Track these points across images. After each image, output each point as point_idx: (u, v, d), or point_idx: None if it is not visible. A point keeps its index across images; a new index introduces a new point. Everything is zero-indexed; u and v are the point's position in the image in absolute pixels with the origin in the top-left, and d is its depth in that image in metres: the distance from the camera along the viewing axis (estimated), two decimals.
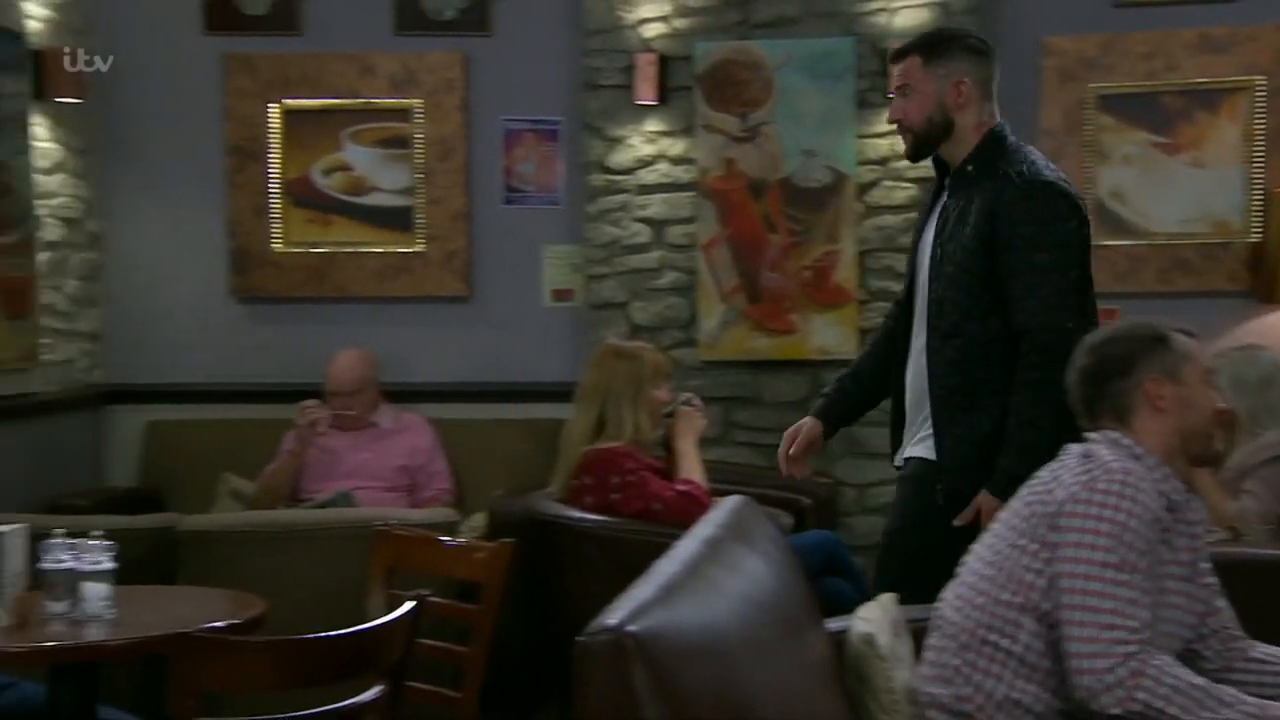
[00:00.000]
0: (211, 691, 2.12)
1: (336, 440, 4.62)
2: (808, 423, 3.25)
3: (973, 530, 2.64)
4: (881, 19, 4.80)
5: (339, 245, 5.11)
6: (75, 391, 4.95)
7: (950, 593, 2.24)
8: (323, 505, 4.33)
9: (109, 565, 2.45)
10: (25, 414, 4.63)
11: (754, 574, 2.16)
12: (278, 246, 5.11)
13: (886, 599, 2.41)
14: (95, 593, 2.43)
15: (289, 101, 5.06)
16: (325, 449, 4.59)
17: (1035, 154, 2.97)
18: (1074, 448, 2.26)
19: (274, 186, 5.10)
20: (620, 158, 4.92)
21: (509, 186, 5.12)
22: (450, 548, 3.03)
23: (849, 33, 4.77)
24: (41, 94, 4.66)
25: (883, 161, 4.75)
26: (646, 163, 4.90)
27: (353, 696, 2.20)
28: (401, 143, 5.08)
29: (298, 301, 5.15)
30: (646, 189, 4.91)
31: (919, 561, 2.81)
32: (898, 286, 3.64)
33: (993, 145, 2.95)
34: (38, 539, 2.46)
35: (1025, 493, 2.22)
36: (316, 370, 4.79)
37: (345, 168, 5.11)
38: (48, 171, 4.78)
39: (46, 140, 4.76)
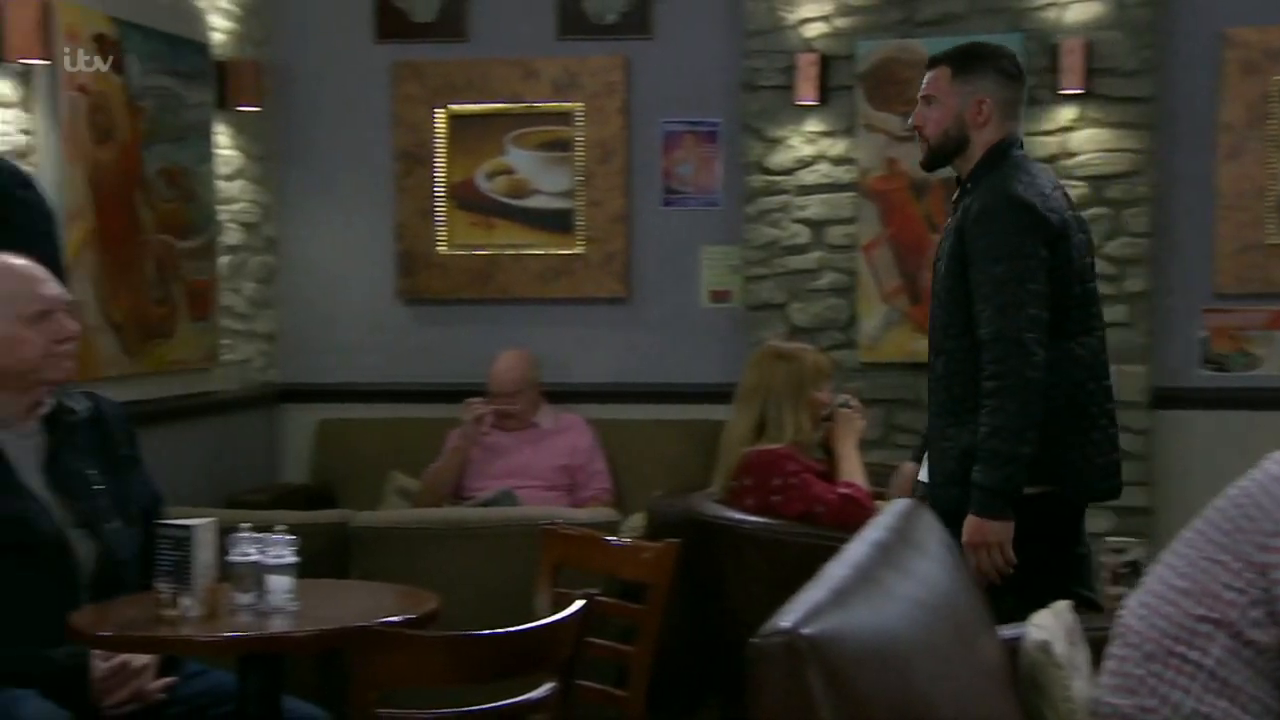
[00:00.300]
0: (388, 685, 2.18)
1: (498, 439, 4.70)
2: (906, 468, 3.34)
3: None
4: (1051, 14, 4.70)
5: (501, 248, 5.20)
6: (252, 391, 5.14)
7: (1134, 600, 2.18)
8: (486, 503, 4.41)
9: (292, 559, 2.53)
10: (206, 412, 4.82)
11: (926, 578, 2.13)
12: (442, 249, 5.23)
13: (1061, 606, 2.36)
14: (279, 586, 2.51)
15: (454, 107, 5.17)
16: (487, 448, 4.67)
17: (1031, 171, 2.94)
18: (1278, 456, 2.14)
19: (439, 190, 5.21)
20: (780, 158, 4.90)
21: (668, 188, 5.14)
22: (616, 547, 3.06)
23: (1016, 29, 4.68)
24: (224, 103, 4.85)
25: (1051, 159, 4.65)
26: (806, 163, 4.88)
27: (519, 694, 2.24)
28: (563, 146, 5.15)
29: (461, 303, 5.26)
30: (806, 190, 4.89)
31: None
32: None
33: (988, 161, 2.95)
34: (224, 533, 2.55)
35: (1225, 503, 2.13)
36: (479, 371, 4.88)
37: (508, 171, 5.20)
38: (229, 178, 4.97)
39: (228, 148, 4.95)
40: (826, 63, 4.80)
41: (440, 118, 5.18)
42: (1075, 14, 4.67)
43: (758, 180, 4.92)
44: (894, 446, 4.76)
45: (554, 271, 5.20)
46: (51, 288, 2.66)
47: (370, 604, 2.73)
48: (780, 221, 4.92)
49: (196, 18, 4.74)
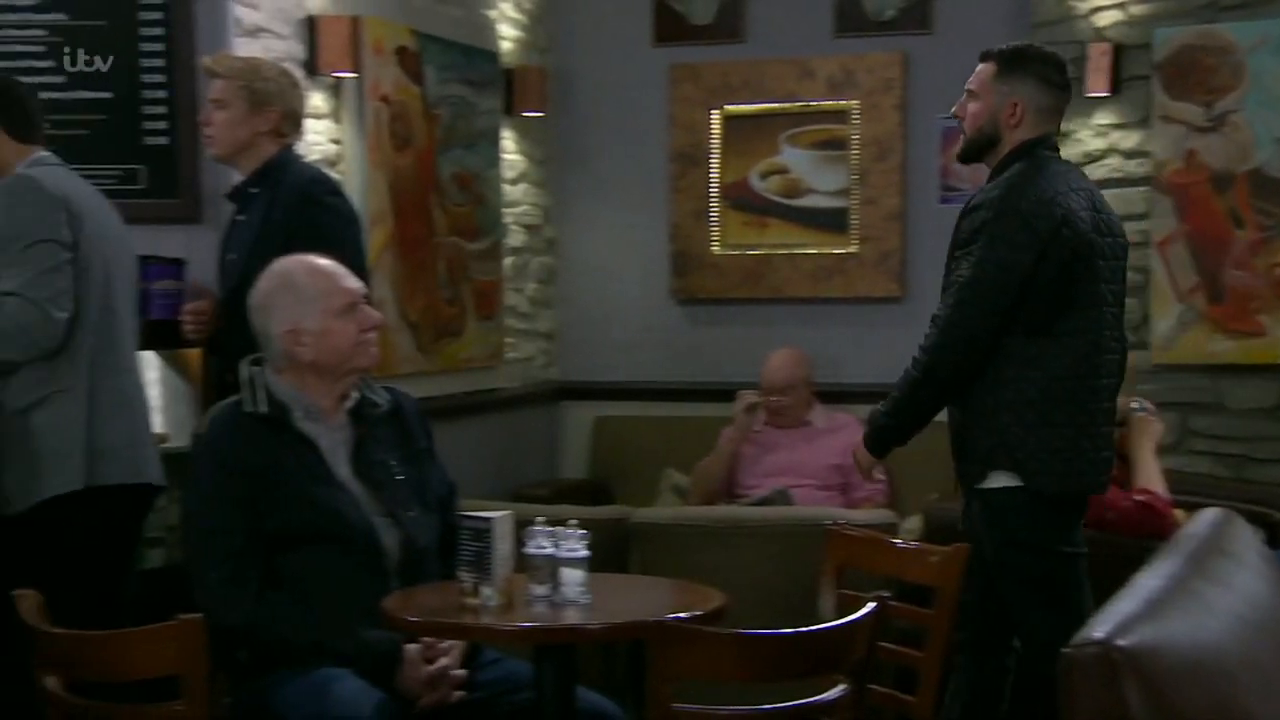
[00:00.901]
0: (683, 679, 2.21)
1: (770, 436, 4.71)
2: None
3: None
4: None
5: (774, 247, 5.20)
6: (534, 388, 5.31)
7: None
8: (760, 502, 4.42)
9: (584, 553, 2.58)
10: (491, 408, 5.00)
11: (1248, 592, 2.03)
12: (716, 249, 5.27)
13: None
14: (572, 579, 2.57)
15: (730, 107, 5.20)
16: (759, 444, 4.68)
17: (1049, 173, 2.96)
18: None
19: (713, 191, 5.26)
20: (1067, 152, 4.69)
21: (945, 185, 5.04)
22: (902, 550, 3.02)
23: None
24: (510, 109, 5.03)
25: None
26: (1095, 157, 4.70)
27: (807, 696, 2.23)
28: (838, 144, 5.12)
29: (734, 303, 5.29)
30: (1097, 185, 4.69)
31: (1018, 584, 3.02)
32: None
33: (1010, 159, 3.00)
34: (520, 526, 2.63)
35: None
36: (751, 370, 4.89)
37: (782, 170, 5.20)
38: (513, 181, 5.15)
39: (513, 152, 5.13)
40: (1119, 52, 4.61)
41: (716, 118, 5.22)
42: None
43: None
44: (1189, 453, 4.53)
45: (827, 271, 5.17)
46: (353, 281, 2.81)
47: (657, 599, 2.77)
48: None
49: (488, 27, 4.92)
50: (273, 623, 2.61)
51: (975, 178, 5.02)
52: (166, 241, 3.71)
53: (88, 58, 3.74)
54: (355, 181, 4.15)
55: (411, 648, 2.61)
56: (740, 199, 5.24)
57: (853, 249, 5.13)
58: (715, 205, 5.26)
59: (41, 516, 2.88)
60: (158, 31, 3.72)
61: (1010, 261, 2.88)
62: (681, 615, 2.40)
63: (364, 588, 2.65)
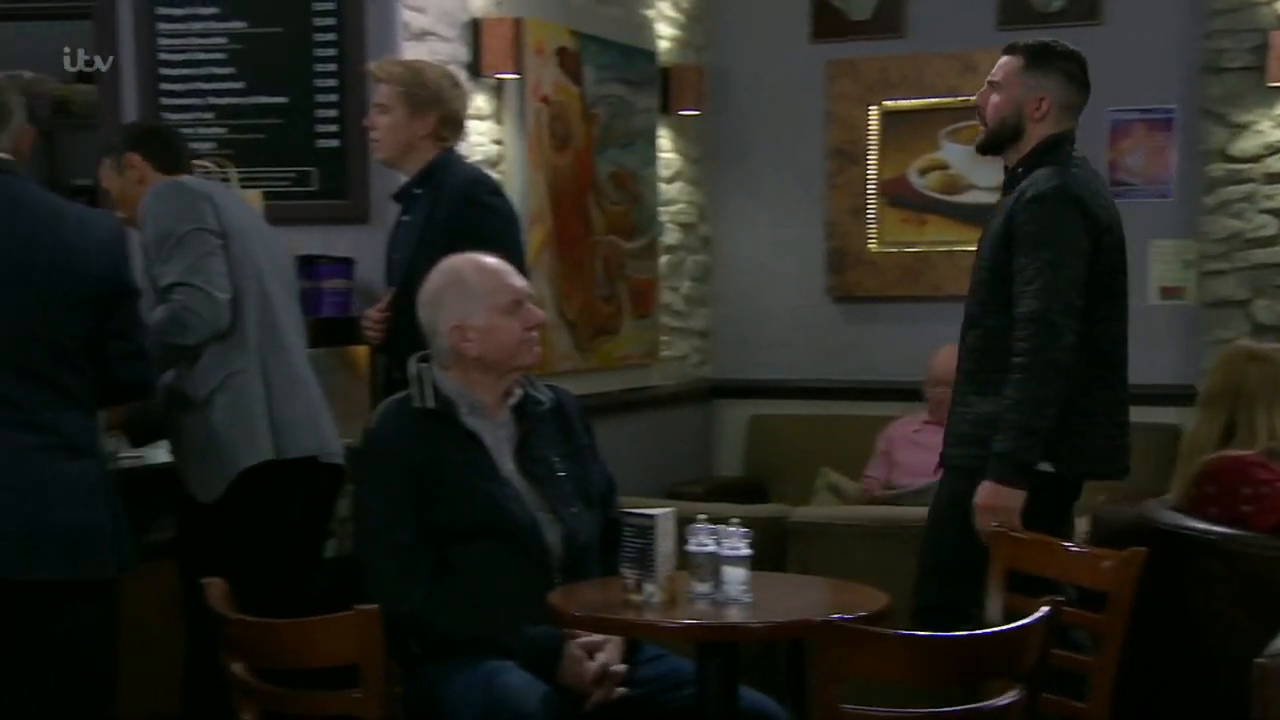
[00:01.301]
0: (849, 680, 2.18)
1: (934, 437, 4.61)
2: None
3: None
4: None
5: (933, 244, 5.13)
6: (688, 386, 5.31)
7: None
8: (919, 491, 4.34)
9: (746, 552, 2.58)
10: (647, 406, 5.02)
11: None
12: (873, 247, 5.21)
13: None
14: (735, 577, 2.56)
15: (889, 103, 5.14)
16: (920, 445, 4.61)
17: (1080, 166, 3.06)
18: None
19: (871, 188, 5.20)
20: (1246, 145, 4.57)
21: (1114, 179, 4.90)
22: (1074, 553, 2.94)
23: None
24: (666, 108, 5.04)
25: None
26: (1276, 149, 4.53)
27: (975, 700, 2.19)
28: None
29: (891, 301, 5.22)
30: (1276, 178, 4.54)
31: (942, 552, 3.12)
32: None
33: (1041, 152, 3.06)
34: (681, 523, 2.64)
35: None
36: (908, 369, 4.82)
37: (942, 167, 5.12)
38: (669, 180, 5.16)
39: (669, 151, 5.14)
40: None
41: (874, 115, 5.16)
42: None
43: (1218, 169, 4.61)
44: None
45: None
46: (518, 279, 2.86)
47: (819, 598, 2.75)
48: (1244, 212, 4.59)
49: (646, 27, 4.95)
50: (441, 614, 2.65)
51: (1147, 170, 4.90)
52: (336, 241, 3.81)
53: (264, 64, 3.86)
54: (515, 181, 4.20)
55: (572, 642, 2.63)
56: (898, 196, 5.17)
57: None
58: (873, 202, 5.20)
59: (234, 497, 2.98)
60: (330, 37, 3.82)
61: (1082, 247, 2.98)
62: (847, 616, 2.37)
63: (527, 583, 2.68)
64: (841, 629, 2.14)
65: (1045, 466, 3.01)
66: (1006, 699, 2.16)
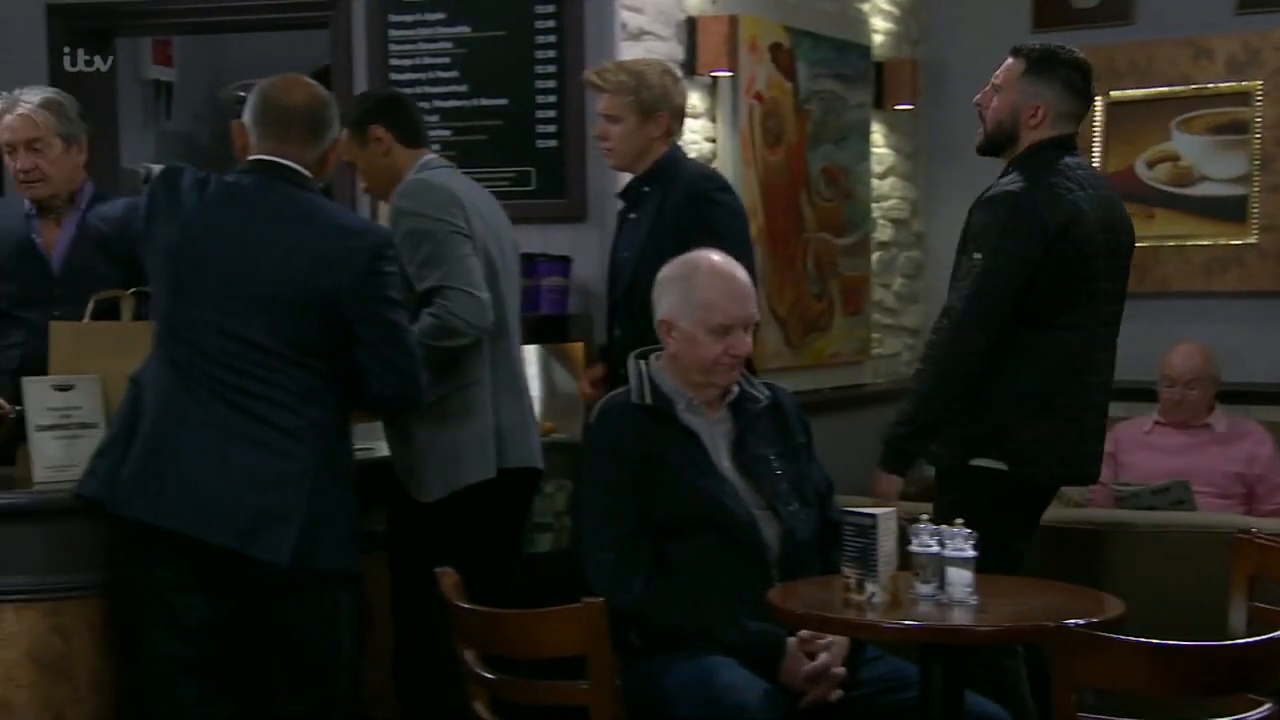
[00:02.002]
0: (1087, 686, 2.11)
1: (1165, 438, 4.45)
2: None
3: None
4: None
5: (1162, 238, 4.93)
6: (899, 384, 5.20)
7: None
8: (1158, 491, 4.16)
9: (971, 553, 2.51)
10: (858, 404, 4.95)
11: None
12: None
13: None
14: (959, 579, 2.50)
15: (1115, 93, 4.97)
16: (1152, 447, 4.44)
17: (1060, 172, 2.99)
18: None
19: None
20: None
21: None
22: None
23: None
24: (880, 102, 4.97)
25: None
26: None
27: (1220, 713, 2.09)
28: (1238, 128, 4.79)
29: None
30: None
31: None
32: None
33: (1025, 157, 3.04)
34: (904, 524, 2.59)
35: None
36: (1136, 368, 4.57)
37: (1173, 158, 4.92)
38: (881, 176, 5.09)
39: (881, 146, 5.07)
40: None
41: (1099, 105, 4.98)
42: None
43: None
44: None
45: (1222, 263, 4.86)
46: (744, 308, 2.77)
47: (1047, 602, 2.65)
48: None
49: (860, 21, 4.88)
50: (661, 607, 2.67)
51: None
52: (554, 239, 3.87)
53: (486, 67, 3.94)
54: (728, 178, 4.19)
55: (792, 641, 2.61)
56: (1125, 188, 4.95)
57: (1252, 240, 4.80)
58: None
59: (451, 500, 3.03)
60: (550, 39, 3.88)
61: (1024, 254, 2.95)
62: (1080, 621, 2.29)
63: (745, 578, 2.67)
64: (1079, 635, 2.07)
65: (996, 464, 3.02)
66: (1258, 713, 2.05)
